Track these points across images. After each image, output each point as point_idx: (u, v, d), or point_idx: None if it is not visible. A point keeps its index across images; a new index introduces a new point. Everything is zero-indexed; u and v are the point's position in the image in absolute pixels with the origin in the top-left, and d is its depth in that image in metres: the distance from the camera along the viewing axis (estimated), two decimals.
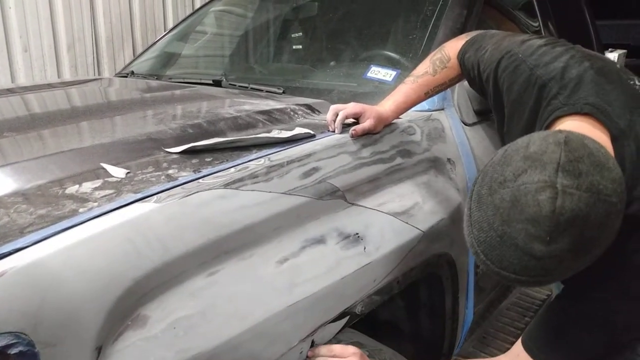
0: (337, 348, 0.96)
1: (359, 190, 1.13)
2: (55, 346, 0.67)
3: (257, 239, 0.91)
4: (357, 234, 1.07)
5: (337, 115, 1.21)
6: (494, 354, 1.97)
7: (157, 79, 1.98)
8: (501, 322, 2.25)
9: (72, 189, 0.86)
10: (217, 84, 1.77)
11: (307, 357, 0.95)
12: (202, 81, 1.81)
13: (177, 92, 1.63)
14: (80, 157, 0.98)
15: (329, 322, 0.98)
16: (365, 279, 1.05)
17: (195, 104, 1.41)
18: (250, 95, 1.55)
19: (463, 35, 1.25)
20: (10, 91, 1.68)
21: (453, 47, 1.25)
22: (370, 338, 1.15)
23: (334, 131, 1.20)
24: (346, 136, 1.18)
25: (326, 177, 1.06)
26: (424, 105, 1.39)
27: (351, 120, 1.23)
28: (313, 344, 0.97)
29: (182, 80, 1.86)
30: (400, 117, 1.32)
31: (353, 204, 1.10)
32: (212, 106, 1.37)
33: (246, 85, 1.70)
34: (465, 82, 1.33)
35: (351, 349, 0.98)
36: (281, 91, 1.60)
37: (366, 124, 1.21)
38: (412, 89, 1.28)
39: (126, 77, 2.10)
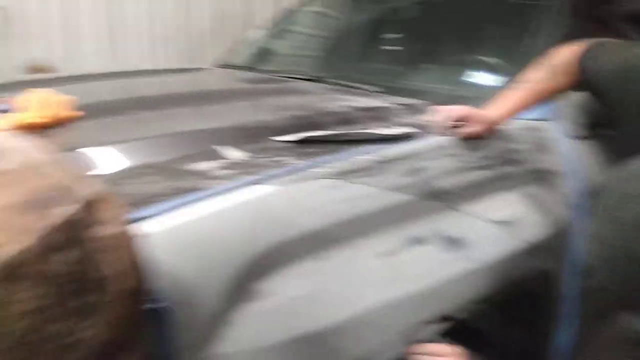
0: (437, 346, 0.95)
1: (463, 195, 1.11)
2: (184, 306, 0.71)
3: (361, 231, 0.92)
4: (457, 238, 1.05)
5: (443, 117, 1.20)
6: None
7: (255, 72, 2.05)
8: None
9: (190, 166, 0.92)
10: (316, 80, 1.80)
11: (406, 352, 0.94)
12: (301, 77, 1.85)
13: (280, 85, 1.68)
14: (202, 138, 1.04)
15: (427, 324, 0.98)
16: (464, 286, 1.04)
17: (299, 98, 1.46)
18: (351, 93, 1.57)
19: (578, 43, 1.21)
20: (129, 74, 1.81)
21: (567, 53, 1.20)
22: (464, 348, 1.12)
23: (439, 133, 1.19)
24: (451, 139, 1.16)
25: (430, 178, 1.05)
26: (532, 114, 1.35)
27: (456, 123, 1.21)
28: (411, 342, 0.96)
29: (281, 75, 1.91)
30: (507, 124, 1.29)
31: (455, 208, 1.09)
32: (316, 100, 1.40)
33: (346, 83, 1.72)
34: (576, 94, 1.27)
35: (451, 348, 0.96)
36: (381, 91, 1.61)
37: (472, 128, 1.18)
38: (521, 95, 1.24)
39: (226, 68, 2.19)
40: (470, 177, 1.13)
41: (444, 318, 1.01)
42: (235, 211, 0.80)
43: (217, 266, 0.75)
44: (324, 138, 1.07)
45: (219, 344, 0.75)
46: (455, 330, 1.10)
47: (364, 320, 0.86)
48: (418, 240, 0.99)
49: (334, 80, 1.75)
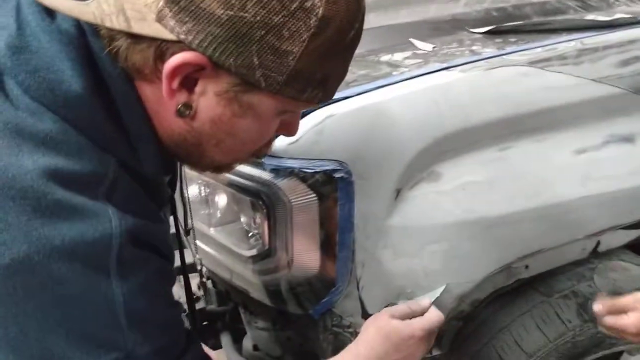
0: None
1: None
2: (366, 180, 0.79)
3: (555, 124, 0.87)
4: None
5: None
6: None
7: None
8: None
9: (386, 57, 0.96)
10: None
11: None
12: None
13: None
14: (392, 32, 1.07)
15: (620, 228, 0.90)
16: None
17: None
18: None
19: None
20: None
21: None
22: None
23: None
24: None
25: None
26: None
27: None
28: (598, 245, 0.91)
29: None
30: None
31: None
32: None
33: None
34: None
35: None
36: None
37: None
38: None
39: None
40: None
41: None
42: (421, 95, 0.83)
43: (400, 146, 0.80)
44: (518, 28, 1.01)
45: (395, 217, 0.82)
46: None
47: (544, 215, 0.83)
48: (624, 138, 0.89)
49: None
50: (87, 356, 0.47)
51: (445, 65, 0.87)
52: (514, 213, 0.83)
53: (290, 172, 0.79)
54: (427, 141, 0.80)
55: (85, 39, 0.49)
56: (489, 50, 0.92)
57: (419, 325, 0.70)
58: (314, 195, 0.80)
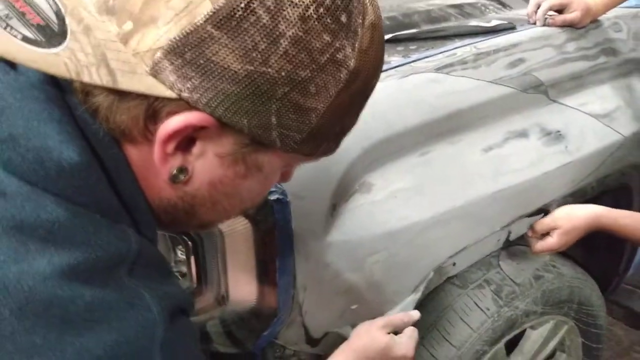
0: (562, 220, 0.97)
1: (562, 87, 1.07)
2: (302, 199, 0.75)
3: (464, 126, 0.91)
4: (558, 131, 1.03)
5: (538, 6, 1.13)
6: None
7: None
8: None
9: None
10: None
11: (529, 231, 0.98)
12: None
13: None
14: None
15: (526, 216, 0.98)
16: (563, 178, 1.02)
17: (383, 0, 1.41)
18: None
19: None
20: None
21: None
22: None
23: (534, 23, 1.13)
24: (550, 29, 1.10)
25: (531, 70, 1.01)
26: (632, 1, 1.25)
27: (554, 13, 1.15)
28: (509, 235, 0.98)
29: None
30: (608, 12, 1.20)
31: (555, 101, 1.05)
32: (402, 1, 1.35)
33: None
34: None
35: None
36: None
37: (570, 15, 1.12)
38: None
39: None
40: (571, 68, 1.08)
41: (543, 211, 1.02)
42: None
43: (332, 159, 0.76)
44: (414, 36, 1.05)
45: (334, 233, 0.79)
46: None
47: (467, 212, 0.87)
48: (520, 134, 0.97)
49: None
50: None
51: None
52: (442, 214, 0.85)
53: None
54: (357, 152, 0.79)
55: (62, 95, 0.40)
56: (396, 59, 0.94)
57: (410, 345, 0.69)
58: (246, 221, 0.73)
